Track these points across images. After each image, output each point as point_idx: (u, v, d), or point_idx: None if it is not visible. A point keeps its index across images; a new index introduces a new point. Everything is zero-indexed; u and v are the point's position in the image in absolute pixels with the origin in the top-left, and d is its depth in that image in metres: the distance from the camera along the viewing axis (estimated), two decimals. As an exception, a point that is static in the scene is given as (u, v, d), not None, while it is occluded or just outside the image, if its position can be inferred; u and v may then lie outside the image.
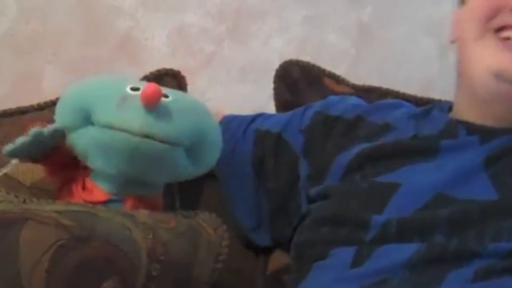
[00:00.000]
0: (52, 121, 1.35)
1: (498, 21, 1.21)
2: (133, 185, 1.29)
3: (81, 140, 1.27)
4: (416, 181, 1.21)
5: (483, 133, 1.23)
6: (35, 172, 1.32)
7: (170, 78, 1.55)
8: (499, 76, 1.20)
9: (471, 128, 1.26)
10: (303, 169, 1.39)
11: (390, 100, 1.49)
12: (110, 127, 1.22)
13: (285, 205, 1.42)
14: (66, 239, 1.12)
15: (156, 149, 1.21)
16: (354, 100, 1.47)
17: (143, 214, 1.22)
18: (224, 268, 1.25)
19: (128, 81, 1.28)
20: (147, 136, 1.20)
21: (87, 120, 1.26)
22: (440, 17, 1.73)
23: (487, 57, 1.22)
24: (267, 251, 1.51)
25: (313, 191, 1.33)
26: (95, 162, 1.27)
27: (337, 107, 1.43)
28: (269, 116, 1.51)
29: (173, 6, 1.80)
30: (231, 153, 1.45)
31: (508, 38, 1.20)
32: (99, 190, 1.29)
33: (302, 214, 1.33)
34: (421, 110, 1.38)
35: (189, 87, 1.64)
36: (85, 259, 1.13)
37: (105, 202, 1.27)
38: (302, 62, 1.67)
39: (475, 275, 1.07)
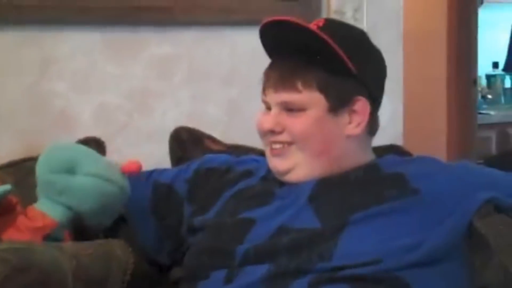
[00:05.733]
0: (2, 179, 1.36)
1: (268, 139, 1.27)
2: (75, 221, 1.28)
3: (62, 182, 1.25)
4: (265, 218, 1.22)
5: (300, 183, 1.26)
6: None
7: (94, 143, 1.54)
8: (276, 173, 1.28)
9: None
10: (187, 210, 1.40)
11: (251, 156, 1.52)
12: (97, 176, 1.25)
13: (176, 235, 1.41)
14: (8, 271, 1.07)
15: (119, 195, 1.31)
16: (224, 156, 1.49)
17: (68, 245, 1.20)
18: (138, 276, 1.24)
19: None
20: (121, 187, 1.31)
21: (70, 169, 1.26)
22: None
23: (269, 161, 1.29)
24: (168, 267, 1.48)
25: (196, 221, 1.33)
26: (70, 200, 1.25)
27: (212, 162, 1.45)
28: (162, 171, 1.50)
29: (95, 89, 1.76)
30: (136, 200, 1.43)
31: (274, 149, 1.26)
32: (49, 217, 1.25)
33: (188, 244, 1.33)
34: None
35: (108, 148, 1.63)
36: (24, 285, 1.08)
37: (51, 229, 1.25)
38: (188, 128, 1.67)
39: (309, 285, 1.10)
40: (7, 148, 1.64)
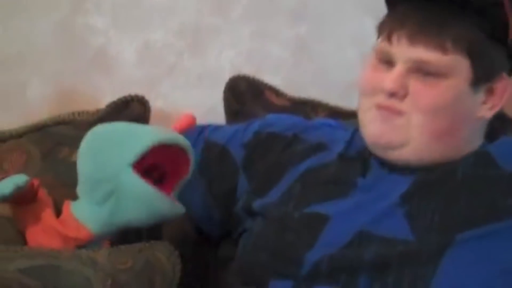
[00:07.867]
0: (27, 150, 1.19)
1: (377, 100, 1.03)
2: (117, 232, 1.10)
3: (114, 181, 1.04)
4: (342, 216, 1.00)
5: (393, 169, 1.03)
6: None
7: (136, 103, 1.33)
8: (374, 144, 1.05)
9: (381, 164, 1.05)
10: (242, 182, 1.18)
11: (325, 120, 1.28)
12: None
13: (226, 205, 1.20)
14: (29, 299, 0.90)
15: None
16: (291, 119, 1.25)
17: (103, 256, 0.99)
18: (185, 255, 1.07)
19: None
20: None
21: (124, 167, 1.04)
22: (362, 32, 1.54)
23: (370, 126, 1.04)
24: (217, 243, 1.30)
25: (255, 205, 1.12)
26: (118, 204, 1.05)
27: (276, 125, 1.21)
28: (216, 128, 1.28)
29: (140, 25, 1.57)
30: None
31: (384, 106, 1.03)
32: (85, 229, 1.06)
33: (245, 226, 1.13)
34: (348, 135, 1.14)
35: (153, 93, 1.49)
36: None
37: (85, 242, 1.06)
38: (248, 77, 1.47)
39: None
40: (38, 94, 1.51)
